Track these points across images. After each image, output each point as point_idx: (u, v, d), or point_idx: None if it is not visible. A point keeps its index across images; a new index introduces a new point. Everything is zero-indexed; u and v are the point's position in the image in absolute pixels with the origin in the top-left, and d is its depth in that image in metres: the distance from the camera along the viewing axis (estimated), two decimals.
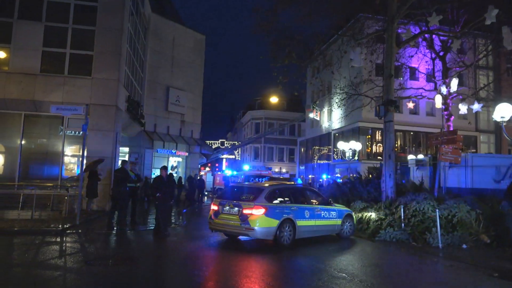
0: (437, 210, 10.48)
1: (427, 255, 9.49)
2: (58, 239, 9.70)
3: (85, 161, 14.04)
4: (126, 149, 23.09)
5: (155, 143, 23.94)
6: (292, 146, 53.29)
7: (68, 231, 10.58)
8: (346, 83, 21.37)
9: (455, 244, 10.35)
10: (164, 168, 11.20)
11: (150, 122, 24.19)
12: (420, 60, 23.14)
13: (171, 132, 25.81)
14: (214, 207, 10.06)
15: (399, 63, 22.04)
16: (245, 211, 9.27)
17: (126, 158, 22.55)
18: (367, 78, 22.33)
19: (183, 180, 25.46)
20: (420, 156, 24.81)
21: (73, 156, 16.55)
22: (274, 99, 42.53)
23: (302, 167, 46.67)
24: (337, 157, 35.36)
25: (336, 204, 11.83)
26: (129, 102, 18.21)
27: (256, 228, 9.11)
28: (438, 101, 20.18)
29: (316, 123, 41.89)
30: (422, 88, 22.35)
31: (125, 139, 21.68)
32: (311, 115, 37.82)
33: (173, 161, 27.08)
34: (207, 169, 50.91)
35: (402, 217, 11.39)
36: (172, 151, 25.30)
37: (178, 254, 8.71)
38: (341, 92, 21.76)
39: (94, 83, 15.96)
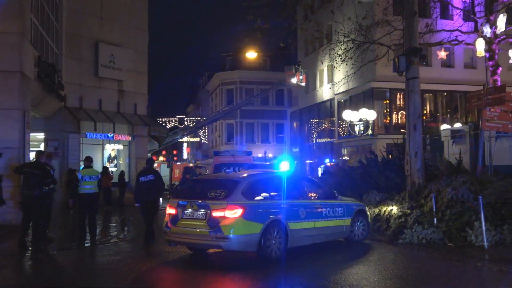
0: (480, 197, 10.76)
1: (469, 258, 9.82)
2: None
3: None
4: (41, 135, 22.69)
5: (83, 125, 23.59)
6: (281, 120, 53.44)
7: None
8: (352, 26, 21.36)
9: (505, 241, 10.69)
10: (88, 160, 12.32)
11: (73, 94, 23.76)
12: None
13: (106, 107, 25.45)
14: (170, 211, 10.06)
15: None
16: (215, 214, 9.30)
17: (42, 148, 22.20)
18: (381, 18, 22.37)
19: (126, 176, 25.34)
20: (458, 125, 25.34)
21: None
22: (251, 55, 42.13)
23: (296, 149, 47.03)
24: (343, 133, 35.74)
25: (343, 197, 12.01)
26: (40, 66, 17.79)
27: (231, 236, 9.17)
28: (480, 47, 20.48)
29: (312, 87, 42.03)
30: (457, 29, 22.60)
31: (38, 121, 21.23)
32: (294, 80, 37.74)
33: (110, 149, 26.78)
34: (161, 158, 50.72)
35: (434, 210, 11.66)
36: (108, 134, 25.01)
37: (122, 280, 8.70)
38: (345, 40, 21.77)
39: None
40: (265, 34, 17.27)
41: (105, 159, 26.25)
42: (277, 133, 55.26)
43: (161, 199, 13.54)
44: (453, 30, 22.61)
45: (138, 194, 12.11)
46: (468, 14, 24.18)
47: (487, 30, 20.51)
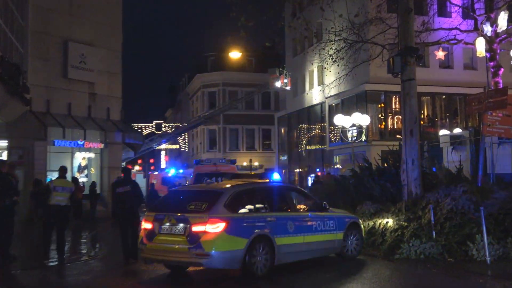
0: (481, 208, 10.83)
1: (470, 274, 9.88)
2: None
3: None
4: (4, 143, 22.51)
5: (50, 131, 23.41)
6: (268, 125, 53.49)
7: None
8: (343, 24, 21.48)
9: (509, 256, 10.76)
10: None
11: (40, 97, 23.55)
12: None
13: (75, 112, 25.27)
14: (146, 225, 9.97)
15: None
16: (195, 228, 9.24)
17: (5, 157, 21.95)
18: (374, 16, 22.54)
19: (98, 188, 25.12)
20: (457, 130, 25.58)
21: None
22: (235, 55, 42.34)
23: (284, 157, 47.10)
24: (335, 139, 35.88)
25: (334, 209, 12.01)
26: (3, 67, 17.68)
27: (212, 253, 9.11)
28: (480, 47, 20.73)
29: (301, 89, 42.19)
30: (456, 28, 22.85)
31: (0, 127, 21.07)
32: (278, 84, 37.72)
33: (80, 158, 26.54)
34: (137, 167, 50.49)
35: (433, 222, 11.70)
36: (78, 142, 24.81)
37: None
38: (336, 39, 21.88)
39: None
40: (250, 32, 17.26)
41: (75, 169, 26.02)
42: (264, 139, 55.29)
43: None
44: (452, 29, 22.86)
45: (116, 206, 12.21)
46: (467, 11, 24.48)
47: (487, 29, 20.76)
